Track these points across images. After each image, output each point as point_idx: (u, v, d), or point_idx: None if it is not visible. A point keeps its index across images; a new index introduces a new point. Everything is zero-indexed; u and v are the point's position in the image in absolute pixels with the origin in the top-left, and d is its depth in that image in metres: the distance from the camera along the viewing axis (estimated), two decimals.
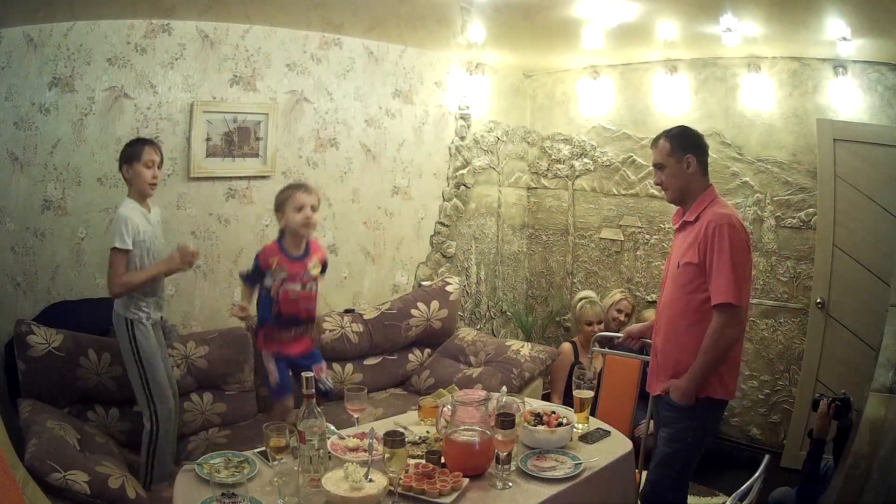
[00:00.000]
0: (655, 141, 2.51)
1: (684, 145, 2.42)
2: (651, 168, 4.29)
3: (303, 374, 1.89)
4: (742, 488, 1.91)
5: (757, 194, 3.94)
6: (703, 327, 2.26)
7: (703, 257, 2.26)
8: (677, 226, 2.49)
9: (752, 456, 3.83)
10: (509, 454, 1.94)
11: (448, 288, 4.13)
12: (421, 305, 3.98)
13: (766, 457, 2.09)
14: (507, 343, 3.93)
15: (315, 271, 2.82)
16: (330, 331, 3.62)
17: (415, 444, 2.13)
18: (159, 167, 2.77)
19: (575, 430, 2.27)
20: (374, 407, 3.40)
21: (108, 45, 3.11)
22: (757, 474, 2.00)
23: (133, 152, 2.70)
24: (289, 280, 2.74)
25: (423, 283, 4.46)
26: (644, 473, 2.66)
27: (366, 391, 2.21)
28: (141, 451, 2.73)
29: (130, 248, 2.61)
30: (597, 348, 3.17)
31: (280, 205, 2.77)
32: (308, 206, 2.74)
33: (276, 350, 2.80)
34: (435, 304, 4.02)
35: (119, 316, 2.69)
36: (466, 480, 1.88)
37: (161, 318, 2.86)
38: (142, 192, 2.73)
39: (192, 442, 3.05)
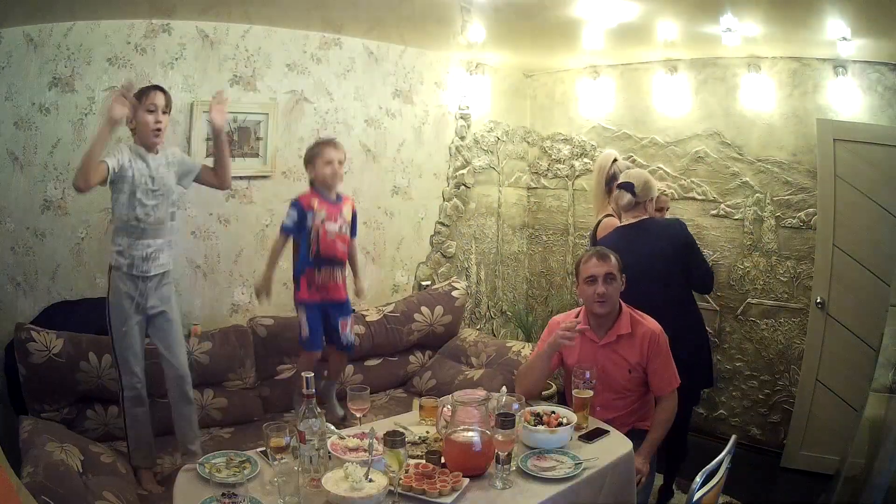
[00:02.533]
0: (606, 255, 2.63)
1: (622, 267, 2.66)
2: (651, 168, 4.34)
3: (302, 374, 1.89)
4: (709, 466, 1.92)
5: (757, 194, 3.94)
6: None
7: (649, 358, 2.59)
8: (606, 341, 2.62)
9: (752, 456, 3.84)
10: (509, 454, 1.93)
11: (454, 293, 4.11)
12: (425, 310, 3.96)
13: (733, 437, 2.11)
14: (508, 344, 3.92)
15: (347, 215, 3.12)
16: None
17: (415, 444, 2.12)
18: (164, 112, 2.62)
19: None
20: (375, 415, 3.34)
21: (108, 45, 3.11)
22: (724, 453, 2.01)
23: (138, 97, 2.58)
24: (327, 220, 3.02)
25: (423, 283, 4.46)
26: None
27: (368, 391, 2.21)
28: None
29: (106, 163, 2.43)
30: None
31: (310, 159, 3.06)
32: (336, 160, 3.03)
33: (315, 297, 3.04)
34: (439, 309, 4.00)
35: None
36: (466, 480, 1.88)
37: (151, 274, 2.62)
38: (144, 140, 2.60)
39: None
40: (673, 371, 2.62)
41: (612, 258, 2.62)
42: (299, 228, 3.00)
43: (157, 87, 2.64)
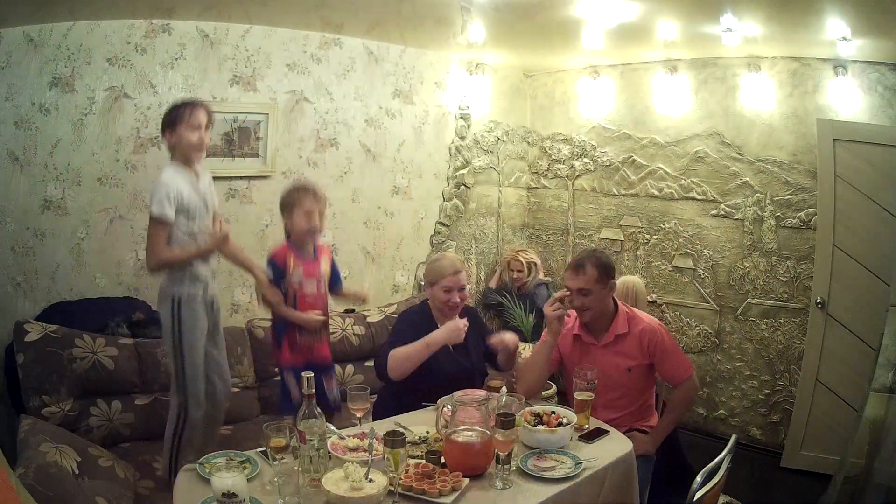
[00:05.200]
0: (581, 266, 2.57)
1: (609, 272, 2.61)
2: (651, 168, 4.35)
3: (303, 374, 1.89)
4: (709, 465, 1.92)
5: (757, 194, 3.94)
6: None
7: (651, 356, 2.59)
8: (605, 342, 2.63)
9: (752, 456, 3.84)
10: (509, 454, 1.93)
11: None
12: None
13: (733, 437, 2.12)
14: None
15: (326, 270, 2.80)
16: (331, 333, 3.61)
17: (415, 444, 2.12)
18: (207, 129, 2.52)
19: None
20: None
21: (108, 45, 3.11)
22: (724, 453, 2.01)
23: (176, 114, 2.48)
24: (305, 278, 2.70)
25: (423, 283, 4.46)
26: None
27: (368, 391, 2.21)
28: (165, 439, 2.61)
29: (171, 219, 2.40)
30: None
31: (288, 207, 2.72)
32: (317, 212, 2.69)
33: (298, 360, 2.70)
34: None
35: (164, 293, 2.50)
36: (466, 480, 1.88)
37: (213, 297, 2.64)
38: (187, 156, 2.51)
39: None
40: (682, 360, 2.64)
41: (588, 269, 2.53)
42: (277, 285, 2.70)
43: (200, 104, 2.54)
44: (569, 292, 2.56)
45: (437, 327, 2.60)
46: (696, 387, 2.65)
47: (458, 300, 2.60)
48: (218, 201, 2.78)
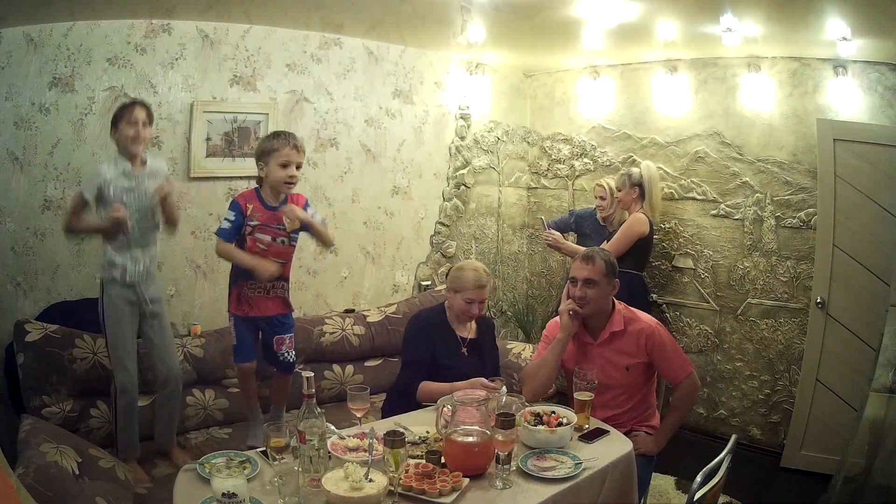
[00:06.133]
0: (591, 258, 2.59)
1: (614, 272, 2.63)
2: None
3: (303, 374, 1.89)
4: (709, 465, 1.92)
5: (757, 194, 3.94)
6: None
7: (650, 354, 2.57)
8: (600, 340, 2.62)
9: (752, 456, 3.84)
10: (509, 454, 1.93)
11: None
12: None
13: (733, 437, 2.12)
14: (508, 346, 3.91)
15: (291, 226, 2.69)
16: (330, 333, 3.62)
17: (415, 444, 2.12)
18: (145, 125, 2.63)
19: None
20: (375, 415, 3.32)
21: (108, 45, 3.11)
22: (724, 453, 2.01)
23: (117, 114, 2.66)
24: (258, 229, 2.68)
25: (423, 283, 4.46)
26: None
27: (368, 391, 2.21)
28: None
29: (87, 199, 2.58)
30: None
31: (264, 154, 2.66)
32: (294, 164, 2.64)
33: (246, 311, 2.73)
34: None
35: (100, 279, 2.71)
36: (466, 480, 1.88)
37: (138, 281, 2.66)
38: (126, 150, 2.64)
39: (194, 438, 3.05)
40: (681, 358, 2.62)
41: (598, 261, 2.56)
42: (237, 233, 2.68)
43: (138, 103, 2.69)
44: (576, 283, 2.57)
45: (452, 332, 2.71)
46: (697, 385, 2.63)
47: (477, 312, 2.68)
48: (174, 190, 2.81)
